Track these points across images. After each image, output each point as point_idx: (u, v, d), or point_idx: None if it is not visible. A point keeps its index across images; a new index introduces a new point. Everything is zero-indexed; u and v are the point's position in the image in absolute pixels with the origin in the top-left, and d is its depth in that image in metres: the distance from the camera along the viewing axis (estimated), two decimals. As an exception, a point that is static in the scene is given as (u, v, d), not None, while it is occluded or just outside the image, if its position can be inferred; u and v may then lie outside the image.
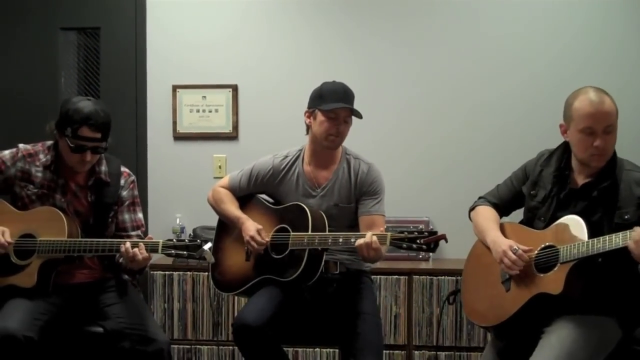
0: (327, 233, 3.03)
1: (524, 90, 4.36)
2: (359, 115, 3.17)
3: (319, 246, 3.01)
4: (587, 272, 2.60)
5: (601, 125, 2.64)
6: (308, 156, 3.27)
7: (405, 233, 2.85)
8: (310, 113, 3.21)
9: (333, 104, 3.12)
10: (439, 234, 2.85)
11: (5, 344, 2.76)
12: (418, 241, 2.82)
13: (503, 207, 3.03)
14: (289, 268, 3.05)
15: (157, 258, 3.17)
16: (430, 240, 2.82)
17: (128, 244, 2.93)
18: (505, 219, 3.04)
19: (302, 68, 4.44)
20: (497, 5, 4.38)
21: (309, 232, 3.03)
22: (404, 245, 2.84)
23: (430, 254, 3.20)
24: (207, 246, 2.91)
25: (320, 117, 3.15)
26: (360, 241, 2.89)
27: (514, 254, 2.71)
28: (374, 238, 2.86)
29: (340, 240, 2.95)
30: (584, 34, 4.32)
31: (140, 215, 3.28)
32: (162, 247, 2.93)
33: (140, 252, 2.91)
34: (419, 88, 4.44)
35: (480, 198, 3.10)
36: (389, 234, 2.88)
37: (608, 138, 2.67)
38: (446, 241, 2.87)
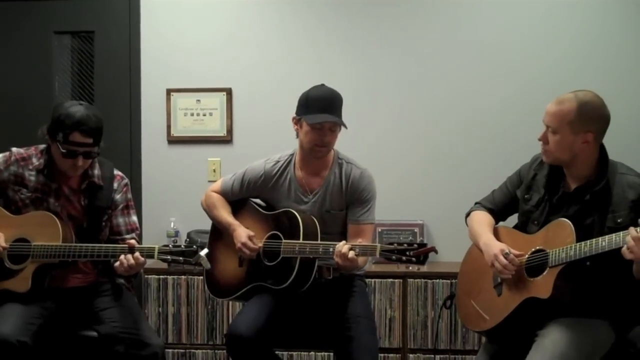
0: (318, 242, 3.01)
1: (520, 95, 4.36)
2: (344, 126, 3.12)
3: (310, 255, 2.99)
4: (576, 276, 2.60)
5: (545, 120, 2.75)
6: (299, 161, 3.25)
7: (395, 245, 2.82)
8: (297, 120, 3.17)
9: (317, 115, 3.07)
10: (429, 246, 2.83)
11: (-1, 349, 2.76)
12: (407, 253, 2.80)
13: (499, 211, 3.03)
14: (281, 275, 3.04)
15: (152, 262, 3.17)
16: (420, 253, 2.79)
17: (122, 258, 2.93)
18: (501, 223, 3.04)
19: (297, 72, 4.45)
20: (494, 10, 4.39)
21: (301, 240, 3.02)
22: (394, 257, 2.82)
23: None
24: (204, 252, 2.90)
25: (305, 126, 3.11)
26: (336, 251, 2.89)
27: (505, 257, 2.71)
28: (347, 250, 2.86)
29: (331, 249, 2.92)
30: (580, 39, 4.33)
31: (134, 218, 3.27)
32: (158, 252, 2.93)
33: (135, 258, 2.92)
34: (414, 92, 4.44)
35: (476, 204, 3.10)
36: (378, 245, 2.86)
37: (550, 136, 2.73)
38: (436, 252, 2.86)
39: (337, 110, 3.12)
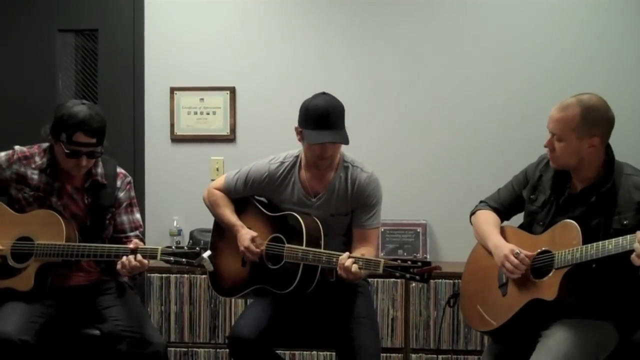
0: (322, 250, 2.98)
1: (523, 94, 4.36)
2: (344, 142, 3.05)
3: (312, 262, 2.97)
4: (582, 278, 2.59)
5: (549, 127, 2.74)
6: (304, 164, 3.20)
7: (399, 261, 2.78)
8: (299, 131, 3.11)
9: (317, 133, 3.00)
10: (433, 264, 2.78)
11: (1, 348, 2.76)
12: (411, 270, 2.75)
13: (504, 211, 3.03)
14: (284, 279, 3.02)
15: (154, 261, 3.18)
16: (424, 271, 2.75)
17: (124, 260, 2.93)
18: (505, 223, 3.03)
19: (301, 71, 4.44)
20: (497, 10, 4.38)
21: (304, 247, 2.99)
22: (397, 274, 2.77)
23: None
24: (207, 254, 2.89)
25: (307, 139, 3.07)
26: (339, 263, 2.86)
27: (516, 257, 2.70)
28: (350, 264, 2.83)
29: (334, 259, 2.89)
30: (583, 38, 4.32)
31: (137, 215, 3.28)
32: (161, 253, 2.93)
33: (138, 261, 2.92)
34: (417, 91, 4.43)
35: (481, 202, 3.09)
36: (382, 261, 2.81)
37: (556, 143, 2.72)
38: (440, 270, 2.83)
39: (336, 123, 3.03)
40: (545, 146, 2.77)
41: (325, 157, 3.07)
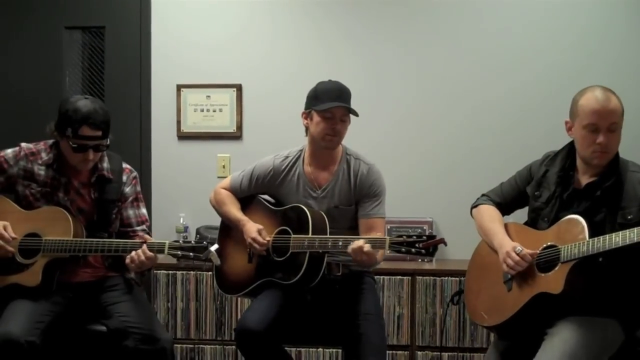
0: (327, 236, 3.02)
1: (527, 90, 4.36)
2: (355, 114, 3.15)
3: (319, 249, 2.99)
4: (588, 272, 2.59)
5: (605, 122, 2.66)
6: (308, 157, 3.25)
7: (404, 237, 2.83)
8: (306, 114, 3.19)
9: (328, 104, 3.10)
10: (438, 238, 2.83)
11: (7, 350, 2.76)
12: (417, 245, 2.80)
13: (506, 206, 3.03)
14: (290, 271, 3.04)
15: (161, 257, 3.19)
16: (429, 245, 2.80)
17: (133, 254, 2.94)
18: (508, 219, 3.03)
19: (306, 68, 4.44)
20: (500, 6, 4.38)
21: (310, 235, 3.03)
22: (403, 250, 2.82)
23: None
24: (214, 248, 2.90)
25: (316, 117, 3.13)
26: (352, 246, 2.88)
27: (518, 254, 2.70)
28: (362, 243, 2.86)
29: (340, 243, 2.93)
30: (586, 34, 4.32)
31: (144, 210, 3.29)
32: (169, 248, 2.94)
33: (145, 253, 2.92)
34: (421, 88, 4.44)
35: (483, 195, 3.10)
36: (387, 238, 2.87)
37: (611, 136, 2.67)
38: (445, 245, 2.85)
39: (346, 100, 3.14)
40: (603, 144, 2.67)
41: (334, 130, 3.12)
